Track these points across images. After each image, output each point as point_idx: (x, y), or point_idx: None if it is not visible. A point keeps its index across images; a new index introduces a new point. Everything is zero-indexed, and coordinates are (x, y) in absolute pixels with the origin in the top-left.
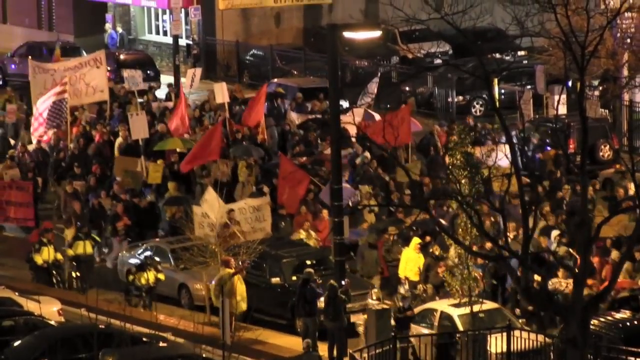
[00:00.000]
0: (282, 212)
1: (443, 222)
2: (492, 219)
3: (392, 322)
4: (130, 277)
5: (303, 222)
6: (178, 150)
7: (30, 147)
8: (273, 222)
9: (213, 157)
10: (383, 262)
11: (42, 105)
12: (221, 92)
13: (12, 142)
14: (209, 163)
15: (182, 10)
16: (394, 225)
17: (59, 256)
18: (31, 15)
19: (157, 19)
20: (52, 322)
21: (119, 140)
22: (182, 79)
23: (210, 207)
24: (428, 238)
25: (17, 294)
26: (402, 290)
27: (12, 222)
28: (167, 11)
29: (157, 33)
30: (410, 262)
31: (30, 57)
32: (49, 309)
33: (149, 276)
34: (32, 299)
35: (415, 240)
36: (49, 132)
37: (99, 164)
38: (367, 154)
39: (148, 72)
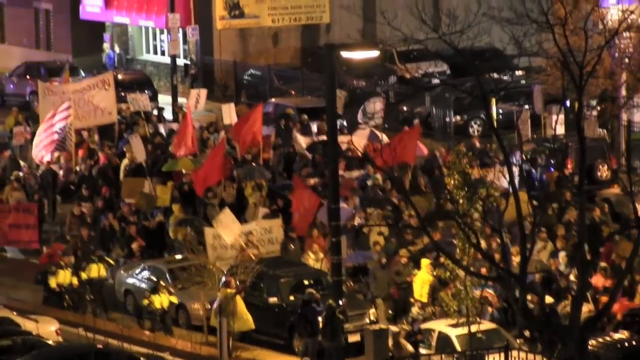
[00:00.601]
0: (293, 234)
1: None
2: (499, 240)
3: (409, 346)
4: (145, 301)
5: (313, 245)
6: (184, 171)
7: (41, 169)
8: (282, 244)
9: (218, 178)
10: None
11: (45, 128)
12: (229, 113)
13: (22, 164)
14: (213, 185)
15: (180, 30)
16: (405, 247)
17: (74, 280)
18: (29, 35)
19: (154, 38)
20: (50, 342)
21: (125, 161)
22: (182, 100)
23: (224, 228)
24: (442, 259)
25: (15, 313)
26: (413, 312)
27: (15, 244)
28: (165, 31)
29: (155, 53)
30: (426, 284)
31: (28, 76)
32: (47, 329)
33: (163, 300)
34: (30, 319)
35: (425, 262)
36: (53, 154)
37: (105, 185)
38: (379, 176)
39: (146, 91)
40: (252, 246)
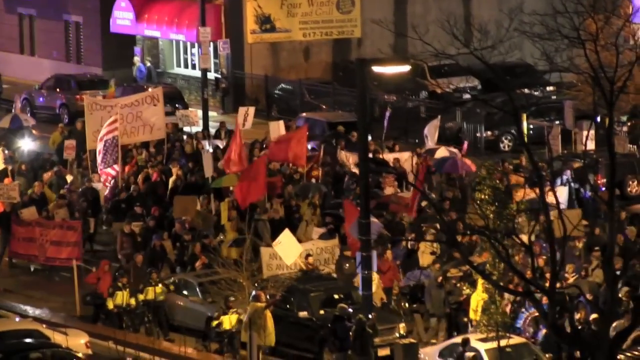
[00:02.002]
0: (347, 253)
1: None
2: (542, 260)
3: None
4: (214, 322)
5: None
6: (231, 188)
7: (82, 187)
8: (338, 263)
9: (262, 193)
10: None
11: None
12: (277, 130)
13: (69, 178)
14: (259, 201)
15: (211, 44)
16: (457, 267)
17: (132, 301)
18: (59, 48)
19: (185, 52)
20: (80, 355)
21: (173, 179)
22: (212, 113)
23: (284, 250)
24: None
25: (44, 326)
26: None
27: (51, 262)
28: (196, 45)
29: (186, 66)
30: (480, 302)
31: (58, 89)
32: (77, 342)
33: (232, 320)
34: (60, 331)
35: (481, 281)
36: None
37: (155, 203)
38: (434, 195)
39: (176, 105)
40: (313, 267)
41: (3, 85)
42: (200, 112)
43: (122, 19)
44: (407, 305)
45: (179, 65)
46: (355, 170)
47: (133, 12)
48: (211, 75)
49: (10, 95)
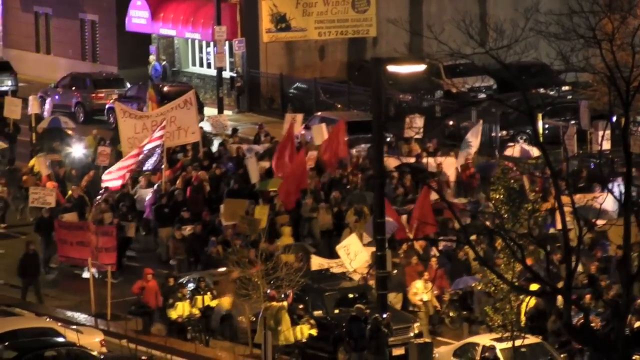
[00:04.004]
0: (396, 260)
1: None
2: (594, 267)
3: None
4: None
5: (414, 273)
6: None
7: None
8: None
9: (303, 186)
10: None
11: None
12: (320, 133)
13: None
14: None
15: (226, 42)
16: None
17: (195, 311)
18: (75, 47)
19: (201, 51)
20: (94, 353)
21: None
22: (227, 112)
23: (349, 255)
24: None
25: (59, 324)
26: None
27: (105, 268)
28: (211, 44)
29: (201, 65)
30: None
31: (73, 88)
32: (91, 340)
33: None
34: (75, 330)
35: (534, 286)
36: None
37: (191, 206)
38: (491, 204)
39: None
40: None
41: (19, 84)
42: (216, 112)
43: (138, 17)
44: (455, 313)
45: (194, 64)
46: (395, 174)
47: (149, 10)
48: (226, 74)
49: (26, 93)
